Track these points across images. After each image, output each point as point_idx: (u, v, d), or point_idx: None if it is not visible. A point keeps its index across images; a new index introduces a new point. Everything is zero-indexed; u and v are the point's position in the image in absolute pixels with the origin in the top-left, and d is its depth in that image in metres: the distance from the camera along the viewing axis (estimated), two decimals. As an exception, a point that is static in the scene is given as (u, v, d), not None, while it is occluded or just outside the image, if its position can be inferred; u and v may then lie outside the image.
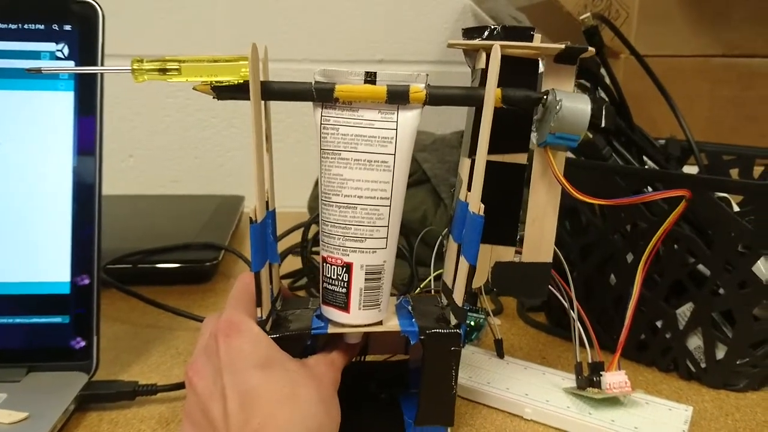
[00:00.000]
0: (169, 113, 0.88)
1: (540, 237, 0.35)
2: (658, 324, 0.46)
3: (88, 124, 0.42)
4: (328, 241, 0.33)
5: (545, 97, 0.31)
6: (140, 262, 0.59)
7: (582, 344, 0.40)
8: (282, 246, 0.44)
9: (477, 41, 0.32)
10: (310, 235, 0.57)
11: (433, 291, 0.48)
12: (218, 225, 0.72)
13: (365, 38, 0.88)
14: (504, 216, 0.34)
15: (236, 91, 0.30)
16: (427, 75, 0.31)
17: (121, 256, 0.59)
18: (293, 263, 0.60)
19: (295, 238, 0.58)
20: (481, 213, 0.31)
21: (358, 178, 0.31)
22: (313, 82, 0.31)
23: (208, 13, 0.84)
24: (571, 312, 0.40)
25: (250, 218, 0.31)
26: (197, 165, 0.90)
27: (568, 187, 0.32)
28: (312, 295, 0.56)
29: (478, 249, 0.31)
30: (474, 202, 0.31)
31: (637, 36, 0.63)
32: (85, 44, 0.41)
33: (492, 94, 0.30)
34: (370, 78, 0.31)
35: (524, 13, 0.73)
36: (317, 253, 0.44)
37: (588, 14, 0.50)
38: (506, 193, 0.34)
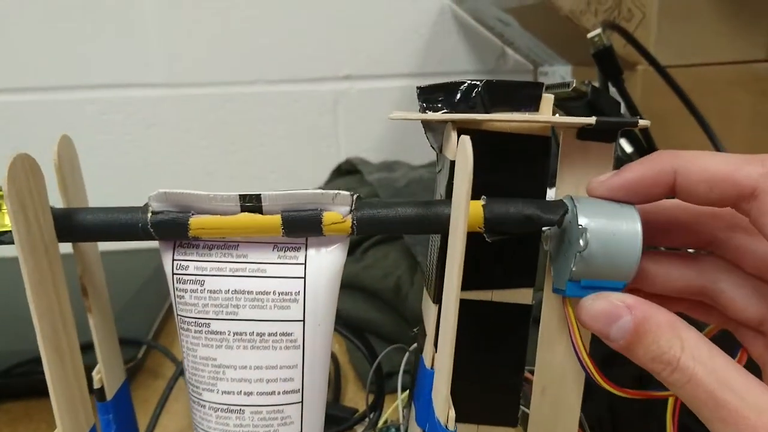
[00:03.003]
0: (103, 130, 0.72)
1: (554, 415, 0.21)
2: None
3: None
4: (207, 459, 0.20)
5: (562, 214, 0.18)
6: (36, 371, 0.46)
7: None
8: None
9: (439, 114, 0.19)
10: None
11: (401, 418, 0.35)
12: (155, 296, 0.58)
13: (327, 51, 0.74)
14: (498, 383, 0.21)
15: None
16: (354, 196, 0.18)
17: (12, 366, 0.45)
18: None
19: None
20: (452, 426, 0.17)
21: (244, 364, 0.18)
22: (149, 214, 0.18)
23: (130, 23, 0.70)
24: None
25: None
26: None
27: (596, 374, 0.18)
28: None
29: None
30: (440, 405, 0.18)
31: (657, 41, 0.50)
32: None
33: (463, 215, 0.17)
34: (251, 203, 0.17)
35: (513, 15, 0.60)
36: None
37: (598, 31, 0.37)
38: (500, 349, 0.21)
